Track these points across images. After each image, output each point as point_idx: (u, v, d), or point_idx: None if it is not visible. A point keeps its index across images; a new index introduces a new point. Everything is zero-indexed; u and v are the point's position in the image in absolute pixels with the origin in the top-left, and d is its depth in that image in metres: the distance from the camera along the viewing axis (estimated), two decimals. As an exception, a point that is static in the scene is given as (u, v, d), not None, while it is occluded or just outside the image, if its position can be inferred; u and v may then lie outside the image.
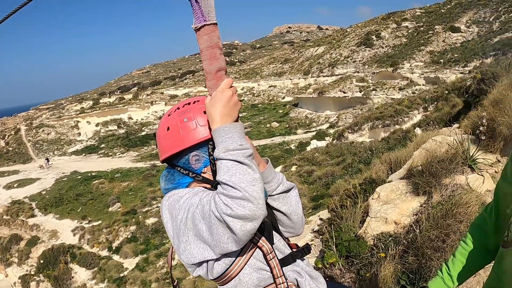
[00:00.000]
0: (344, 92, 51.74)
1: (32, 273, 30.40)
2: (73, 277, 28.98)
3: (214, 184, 1.54)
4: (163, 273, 25.49)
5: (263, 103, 69.49)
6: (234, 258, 1.48)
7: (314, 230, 6.12)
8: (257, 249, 1.53)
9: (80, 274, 29.06)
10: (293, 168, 25.12)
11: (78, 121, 73.96)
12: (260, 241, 1.52)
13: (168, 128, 1.60)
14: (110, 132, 70.62)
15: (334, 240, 4.60)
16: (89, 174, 47.45)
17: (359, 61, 62.70)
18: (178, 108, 1.65)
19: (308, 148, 36.99)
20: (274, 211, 1.69)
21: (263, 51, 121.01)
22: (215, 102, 1.45)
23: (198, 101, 1.65)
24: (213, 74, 1.48)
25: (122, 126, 72.37)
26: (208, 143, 1.57)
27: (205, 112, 1.56)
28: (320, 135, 42.25)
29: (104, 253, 30.45)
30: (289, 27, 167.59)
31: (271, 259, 1.54)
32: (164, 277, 24.71)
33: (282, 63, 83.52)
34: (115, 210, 35.94)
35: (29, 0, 1.65)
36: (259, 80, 77.99)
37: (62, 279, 28.48)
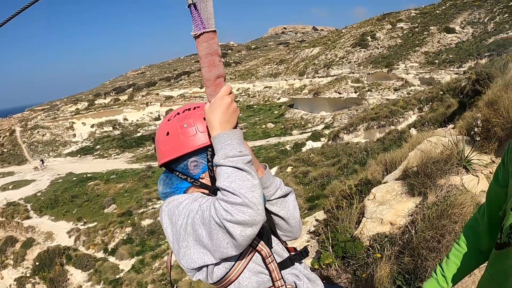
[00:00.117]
0: (339, 93, 51.84)
1: (28, 275, 30.28)
2: (68, 279, 28.90)
3: (212, 190, 1.55)
4: (159, 274, 25.45)
5: (259, 104, 69.57)
6: (233, 262, 1.49)
7: (310, 231, 6.14)
8: (256, 253, 1.54)
9: (76, 276, 28.98)
10: (289, 169, 25.14)
11: (73, 122, 73.79)
12: (259, 245, 1.53)
13: (167, 133, 1.61)
14: (106, 133, 70.49)
15: (330, 241, 4.61)
16: (85, 176, 47.35)
17: (354, 62, 62.88)
18: (178, 114, 1.66)
19: (304, 149, 37.02)
20: (272, 215, 1.70)
21: (258, 52, 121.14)
22: (214, 109, 1.47)
23: (198, 107, 1.65)
24: (212, 81, 1.49)
25: (117, 127, 72.25)
26: (207, 149, 1.58)
27: (205, 119, 1.56)
28: (315, 136, 42.29)
29: (100, 254, 30.37)
30: (284, 28, 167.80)
31: (269, 263, 1.55)
32: (160, 279, 24.68)
33: (278, 64, 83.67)
34: (110, 212, 35.87)
35: (33, 2, 1.66)
36: (254, 81, 78.09)
37: (58, 281, 28.40)
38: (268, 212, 1.68)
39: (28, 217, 38.20)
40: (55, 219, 37.22)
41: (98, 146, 65.24)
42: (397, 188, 4.89)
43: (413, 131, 18.43)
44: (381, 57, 59.21)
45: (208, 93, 1.51)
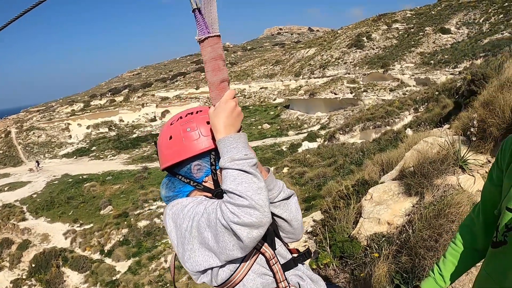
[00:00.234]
0: (335, 94, 51.96)
1: (24, 277, 30.14)
2: (65, 281, 28.80)
3: (215, 193, 1.57)
4: (155, 275, 25.44)
5: (254, 104, 69.58)
6: (238, 264, 1.50)
7: (308, 231, 6.15)
8: (260, 255, 1.56)
9: (72, 277, 28.89)
10: (285, 170, 25.15)
11: (69, 124, 73.61)
12: (263, 247, 1.55)
13: (170, 137, 1.61)
14: (101, 135, 70.36)
15: (328, 241, 4.63)
16: (80, 177, 47.24)
17: (350, 62, 62.99)
18: (181, 118, 1.65)
19: (300, 150, 37.11)
20: (275, 217, 1.71)
21: (254, 52, 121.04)
22: (218, 113, 1.48)
23: (201, 111, 1.66)
24: (217, 85, 1.50)
25: (113, 128, 72.12)
26: (210, 153, 1.59)
27: (208, 123, 1.58)
28: (311, 137, 42.40)
29: (96, 256, 30.30)
30: (280, 29, 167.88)
31: (273, 264, 1.56)
32: (157, 280, 24.67)
33: (273, 64, 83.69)
34: (106, 213, 35.78)
35: (34, 5, 1.67)
36: (250, 82, 78.09)
37: (54, 283, 28.29)
38: (271, 215, 1.69)
39: (24, 219, 38.05)
40: (51, 220, 37.08)
41: (94, 148, 65.09)
42: (394, 188, 4.91)
43: (409, 131, 18.49)
44: (377, 57, 59.34)
45: (212, 97, 1.52)
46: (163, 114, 73.11)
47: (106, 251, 30.32)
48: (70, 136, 71.04)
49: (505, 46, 35.40)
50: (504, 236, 1.42)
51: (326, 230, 4.87)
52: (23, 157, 65.40)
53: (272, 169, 1.75)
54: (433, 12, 66.35)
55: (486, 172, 4.66)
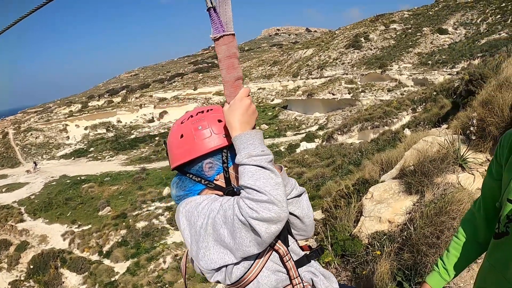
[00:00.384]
0: (333, 94, 52.04)
1: (22, 278, 30.05)
2: (63, 282, 28.74)
3: (226, 191, 1.58)
4: (154, 276, 25.42)
5: (253, 105, 69.46)
6: (252, 261, 1.50)
7: (308, 230, 6.18)
8: (274, 251, 1.56)
9: (71, 279, 28.84)
10: (283, 170, 25.11)
11: (66, 125, 73.53)
12: (277, 244, 1.56)
13: (181, 136, 1.60)
14: (99, 136, 70.29)
15: (329, 239, 4.66)
16: (78, 178, 47.17)
17: (348, 63, 63.01)
18: (192, 116, 1.65)
19: (298, 150, 37.10)
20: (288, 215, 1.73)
21: (251, 53, 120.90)
22: (233, 110, 1.49)
23: (211, 109, 1.67)
24: (232, 83, 1.51)
25: (111, 129, 72.06)
26: (221, 151, 1.59)
27: (219, 121, 1.59)
28: (309, 137, 42.43)
29: (95, 257, 30.26)
30: (278, 30, 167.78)
31: (287, 261, 1.57)
32: (156, 281, 24.65)
33: (271, 65, 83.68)
34: (105, 214, 35.75)
35: (42, 4, 1.69)
36: (248, 83, 77.95)
37: (53, 284, 28.23)
38: None
39: (22, 220, 38.00)
40: (49, 222, 37.02)
41: (92, 149, 65.00)
42: (395, 186, 4.95)
43: (407, 131, 18.53)
44: (375, 58, 59.37)
45: (227, 94, 1.53)
46: (161, 115, 73.09)
47: (104, 252, 30.28)
48: (68, 137, 70.92)
49: (503, 46, 35.45)
50: (506, 227, 1.47)
51: (328, 229, 4.90)
52: (21, 158, 65.27)
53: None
54: (430, 13, 66.46)
55: (485, 170, 4.69)
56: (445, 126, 9.67)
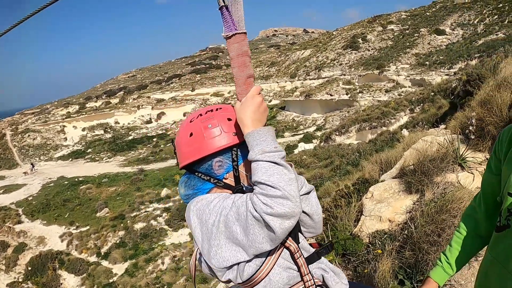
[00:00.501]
0: (331, 95, 52.10)
1: (20, 280, 30.01)
2: (61, 283, 28.73)
3: (235, 190, 1.58)
4: (152, 278, 25.43)
5: (250, 106, 69.42)
6: (264, 259, 1.50)
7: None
8: (285, 249, 1.57)
9: (69, 280, 28.82)
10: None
11: (64, 126, 73.36)
12: (287, 241, 1.56)
13: (191, 134, 1.60)
14: (97, 137, 70.18)
15: (330, 239, 4.69)
16: (76, 179, 47.07)
17: (346, 64, 63.02)
18: (201, 115, 1.65)
19: (296, 151, 37.12)
20: None
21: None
22: (245, 107, 1.50)
23: (220, 108, 1.68)
24: (243, 80, 1.53)
25: (109, 130, 71.99)
26: (231, 149, 1.60)
27: (228, 119, 1.60)
28: (307, 138, 42.46)
29: (93, 259, 30.25)
30: (275, 31, 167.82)
31: (298, 258, 1.58)
32: (154, 282, 24.65)
33: (269, 66, 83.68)
34: (103, 215, 35.70)
35: (34, 12, 1.70)
36: (246, 83, 77.86)
37: (51, 286, 28.21)
38: None
39: (19, 222, 37.87)
40: (47, 223, 36.94)
41: (89, 150, 64.90)
42: (394, 186, 4.98)
43: (405, 132, 18.56)
44: (372, 59, 59.37)
45: (238, 92, 1.55)
46: (159, 116, 73.05)
47: (102, 254, 30.27)
48: (65, 139, 70.78)
49: (500, 47, 35.51)
50: (507, 220, 1.51)
51: (328, 228, 4.92)
52: (19, 160, 65.10)
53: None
54: (428, 14, 66.53)
55: (484, 169, 4.73)
56: (443, 126, 9.72)
